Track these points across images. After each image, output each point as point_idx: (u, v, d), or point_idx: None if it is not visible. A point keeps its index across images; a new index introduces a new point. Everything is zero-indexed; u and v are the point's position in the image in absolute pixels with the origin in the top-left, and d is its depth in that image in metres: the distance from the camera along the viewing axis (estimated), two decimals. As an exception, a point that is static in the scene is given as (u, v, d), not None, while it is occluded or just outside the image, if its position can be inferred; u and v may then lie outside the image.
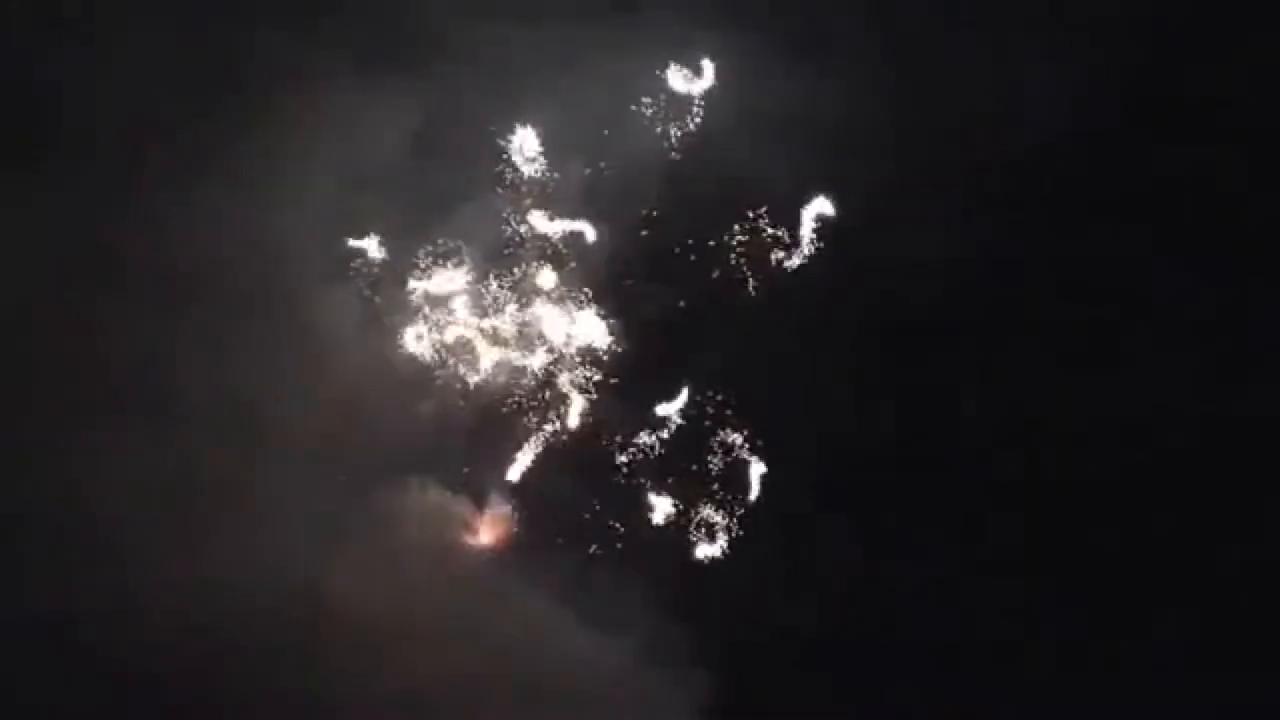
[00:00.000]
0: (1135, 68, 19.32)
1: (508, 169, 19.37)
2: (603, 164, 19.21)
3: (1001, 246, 19.38)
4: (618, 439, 19.61)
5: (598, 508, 19.53)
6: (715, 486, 19.61)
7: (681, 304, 19.60)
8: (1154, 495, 19.28)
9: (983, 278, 19.44)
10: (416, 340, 19.49)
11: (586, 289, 19.62)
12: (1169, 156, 19.37)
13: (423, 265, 19.47)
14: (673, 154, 19.25)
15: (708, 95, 19.28)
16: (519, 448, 19.69)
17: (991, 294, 19.55)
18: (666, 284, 19.59)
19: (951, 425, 19.64)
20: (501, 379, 19.62)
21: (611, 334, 19.61)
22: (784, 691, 19.44)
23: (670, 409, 19.58)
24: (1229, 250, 19.42)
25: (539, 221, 19.50)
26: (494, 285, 19.58)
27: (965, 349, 19.67)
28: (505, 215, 19.50)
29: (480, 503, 19.70)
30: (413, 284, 19.49)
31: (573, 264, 19.59)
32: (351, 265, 19.34)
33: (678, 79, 19.25)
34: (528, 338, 19.67)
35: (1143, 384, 19.38)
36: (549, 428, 19.66)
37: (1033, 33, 19.43)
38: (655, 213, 19.33)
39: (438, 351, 19.52)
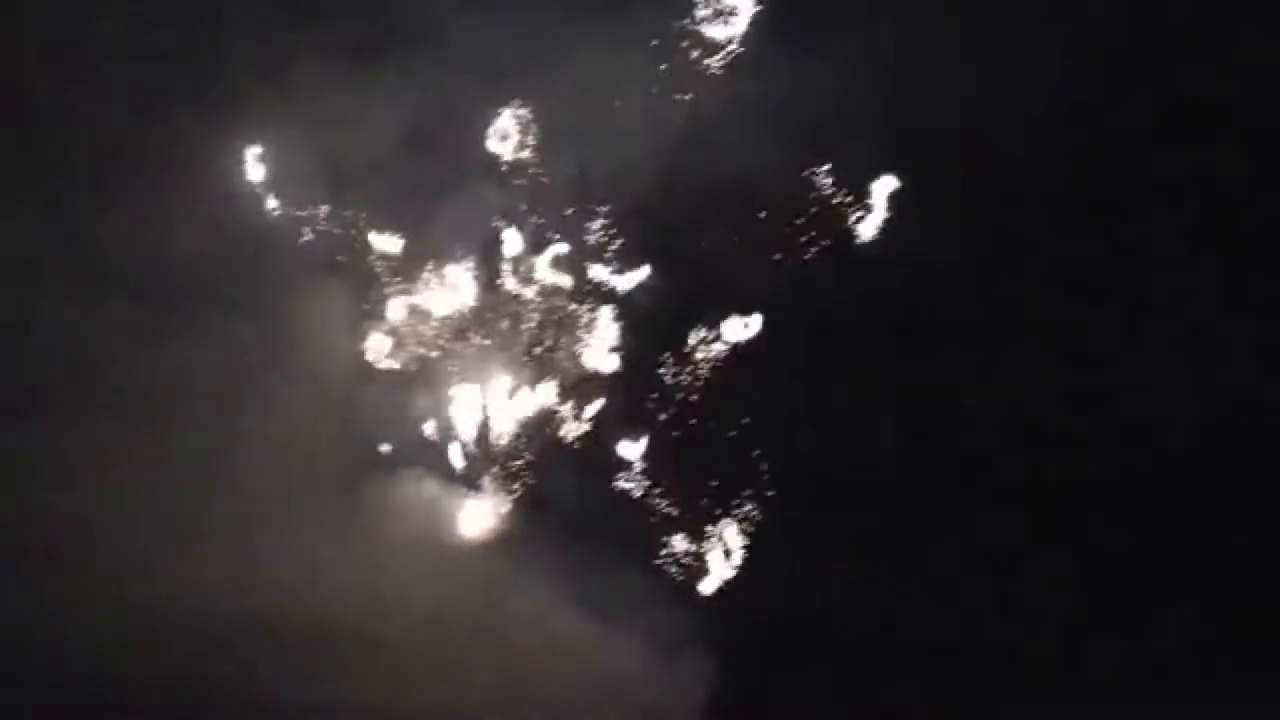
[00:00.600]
0: (1135, 67, 19.32)
1: (502, 165, 19.42)
2: (597, 158, 19.21)
3: (1001, 246, 19.39)
4: (614, 437, 19.63)
5: (593, 505, 19.56)
6: (714, 484, 19.63)
7: (679, 299, 19.64)
8: (1154, 495, 19.28)
9: (983, 278, 19.45)
10: (411, 337, 19.51)
11: (584, 283, 19.66)
12: (1169, 156, 19.36)
13: (416, 260, 19.49)
14: (669, 150, 19.23)
15: (701, 95, 19.31)
16: (516, 443, 19.71)
17: (991, 294, 19.56)
18: (664, 278, 19.61)
19: (951, 425, 19.65)
20: (496, 374, 19.65)
21: (610, 327, 19.64)
22: (784, 690, 19.44)
23: (667, 407, 19.59)
24: (1229, 250, 19.41)
25: (534, 217, 19.53)
26: (489, 280, 19.60)
27: (965, 349, 19.68)
28: (501, 210, 19.53)
29: (477, 500, 19.72)
30: (407, 281, 19.51)
31: (568, 262, 19.64)
32: (346, 262, 19.39)
33: (673, 75, 19.30)
34: (522, 333, 19.69)
35: (1143, 384, 19.37)
36: (545, 424, 19.69)
37: (1033, 32, 19.40)
38: (652, 209, 19.33)
39: (432, 348, 19.55)
